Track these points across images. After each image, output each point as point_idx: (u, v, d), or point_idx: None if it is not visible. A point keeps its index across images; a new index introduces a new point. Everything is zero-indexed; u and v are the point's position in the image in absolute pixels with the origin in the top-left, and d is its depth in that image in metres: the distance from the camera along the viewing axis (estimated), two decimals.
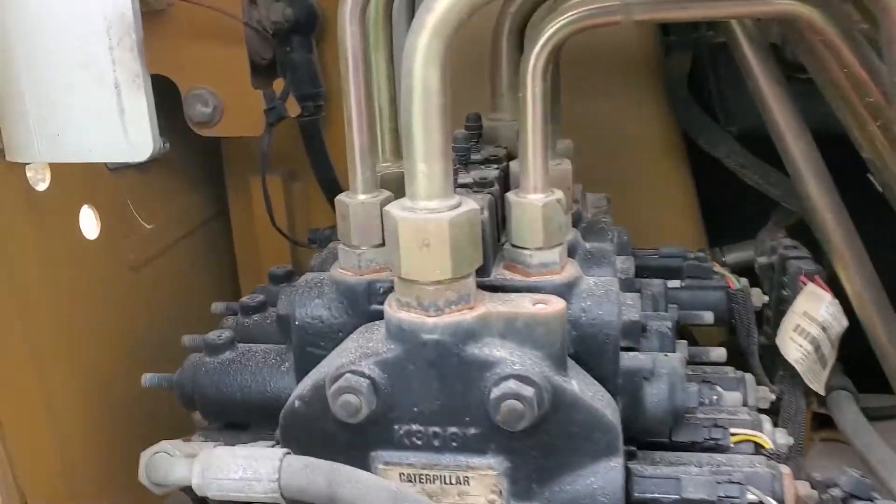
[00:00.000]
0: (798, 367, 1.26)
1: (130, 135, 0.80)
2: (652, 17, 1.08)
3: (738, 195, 1.69)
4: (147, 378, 1.07)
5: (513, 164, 1.03)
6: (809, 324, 1.26)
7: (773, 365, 1.36)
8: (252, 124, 1.39)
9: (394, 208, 0.80)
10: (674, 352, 1.04)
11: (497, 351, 0.81)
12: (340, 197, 0.92)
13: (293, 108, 1.42)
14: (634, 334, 0.92)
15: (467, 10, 0.74)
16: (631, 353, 0.93)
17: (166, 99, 1.36)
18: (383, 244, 0.91)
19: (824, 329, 1.26)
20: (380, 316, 0.88)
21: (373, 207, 0.91)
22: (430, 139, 0.77)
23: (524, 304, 0.83)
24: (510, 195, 0.90)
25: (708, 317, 1.20)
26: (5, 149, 0.90)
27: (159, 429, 1.25)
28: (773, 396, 1.21)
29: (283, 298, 0.97)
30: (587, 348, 0.88)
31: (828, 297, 1.26)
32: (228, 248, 1.69)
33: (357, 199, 0.91)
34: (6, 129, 0.88)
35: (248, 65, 1.35)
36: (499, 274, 0.90)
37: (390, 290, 0.88)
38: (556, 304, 0.82)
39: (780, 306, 1.35)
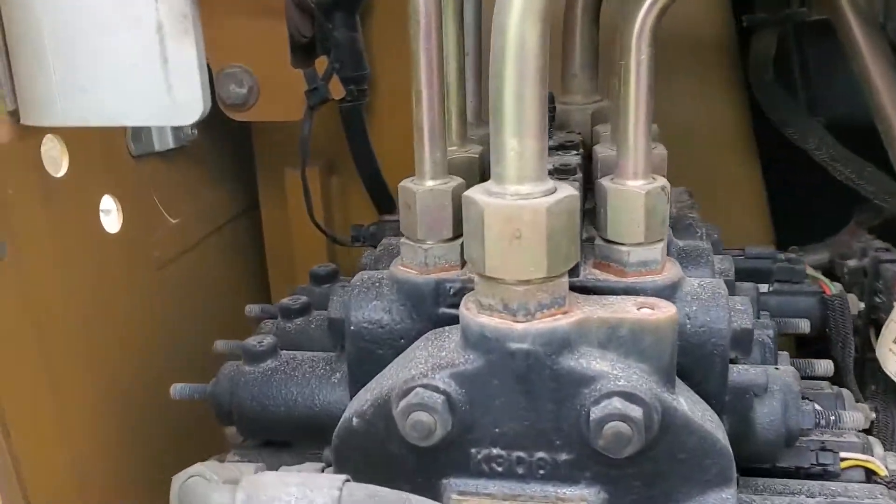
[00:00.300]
0: None
1: (176, 91, 0.65)
2: None
3: (809, 192, 1.58)
4: (177, 389, 0.96)
5: (599, 149, 0.92)
6: None
7: (862, 379, 1.24)
8: (291, 107, 1.28)
9: (477, 193, 0.68)
10: (776, 364, 0.93)
11: (597, 363, 0.69)
12: (405, 183, 0.81)
13: (336, 91, 1.30)
14: (745, 344, 0.81)
15: None
16: (740, 367, 0.82)
17: None
18: (454, 238, 0.80)
19: None
20: (449, 321, 0.79)
21: (443, 195, 0.80)
22: (525, 110, 0.65)
23: (628, 309, 0.71)
24: (605, 182, 0.78)
25: (804, 325, 1.08)
26: (20, 109, 0.76)
27: (185, 443, 1.17)
28: (874, 415, 1.10)
29: (335, 300, 0.86)
30: (692, 360, 0.77)
31: None
32: (258, 245, 1.58)
33: (425, 186, 0.80)
34: (20, 85, 0.73)
35: (288, 41, 1.24)
36: (589, 274, 0.79)
37: (462, 291, 0.79)
38: (665, 309, 0.71)
39: (871, 314, 1.24)
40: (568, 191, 0.68)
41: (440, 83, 0.79)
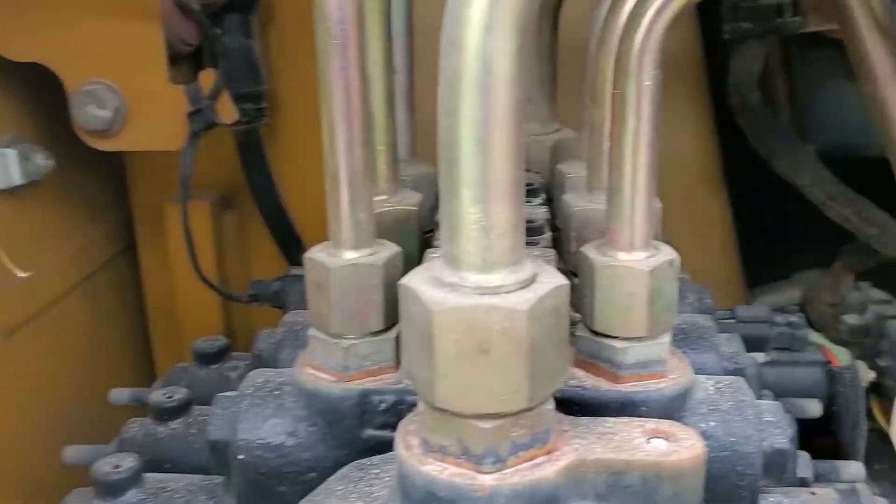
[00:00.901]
0: None
1: None
2: None
3: (780, 224, 1.45)
4: None
5: (571, 199, 0.72)
6: None
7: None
8: (168, 134, 1.08)
9: (421, 284, 0.48)
10: (796, 471, 0.76)
11: None
12: (314, 255, 0.61)
13: (226, 113, 1.09)
14: (779, 469, 0.62)
15: None
16: (772, 498, 0.63)
17: (48, 97, 1.09)
18: (385, 329, 0.60)
19: None
20: (377, 447, 0.59)
21: (370, 272, 0.60)
22: (492, 164, 0.46)
23: (635, 443, 0.52)
24: (590, 253, 0.59)
25: (814, 408, 0.90)
26: None
27: None
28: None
29: (217, 415, 0.64)
30: (710, 496, 0.58)
31: None
32: (136, 299, 1.34)
33: (342, 259, 0.60)
34: None
35: (165, 51, 1.03)
36: (569, 378, 0.60)
37: (396, 406, 0.59)
38: (689, 443, 0.52)
39: (880, 380, 1.08)
40: (553, 279, 0.48)
41: (362, 115, 0.59)
